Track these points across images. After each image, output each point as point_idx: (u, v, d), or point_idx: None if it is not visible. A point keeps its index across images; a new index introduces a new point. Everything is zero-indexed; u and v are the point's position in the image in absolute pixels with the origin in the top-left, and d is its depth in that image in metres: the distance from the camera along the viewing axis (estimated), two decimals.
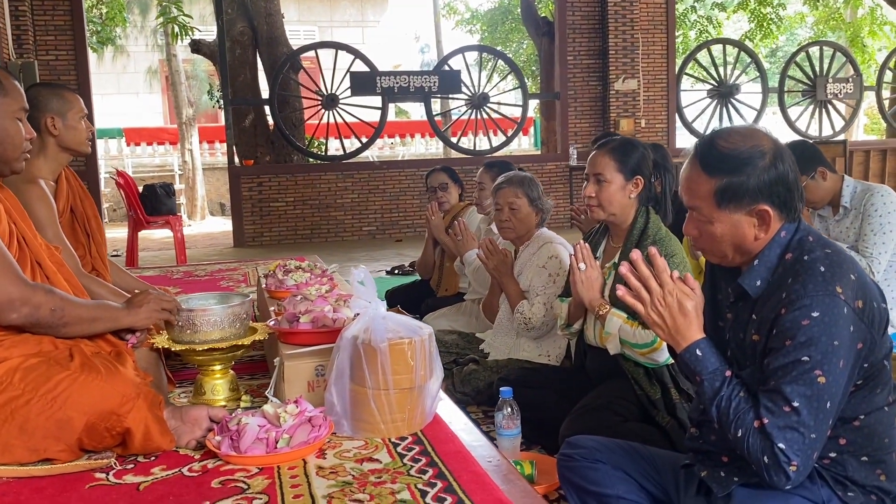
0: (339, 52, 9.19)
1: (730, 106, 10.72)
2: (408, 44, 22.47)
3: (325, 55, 9.75)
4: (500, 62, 10.65)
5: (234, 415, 1.73)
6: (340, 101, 9.25)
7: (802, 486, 1.42)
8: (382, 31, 25.98)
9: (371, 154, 17.78)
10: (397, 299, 4.44)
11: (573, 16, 9.80)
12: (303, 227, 9.26)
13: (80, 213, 2.73)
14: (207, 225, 15.21)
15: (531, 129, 17.64)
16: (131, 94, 22.31)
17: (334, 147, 9.90)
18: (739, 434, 1.41)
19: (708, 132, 1.56)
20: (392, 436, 1.76)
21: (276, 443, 1.64)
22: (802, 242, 1.49)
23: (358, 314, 1.86)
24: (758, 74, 10.83)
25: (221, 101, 9.59)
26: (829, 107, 11.14)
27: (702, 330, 1.53)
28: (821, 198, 3.28)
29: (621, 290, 1.56)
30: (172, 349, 2.01)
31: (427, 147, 18.98)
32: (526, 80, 10.62)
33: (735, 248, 1.53)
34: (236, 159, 9.46)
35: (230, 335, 2.04)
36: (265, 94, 10.18)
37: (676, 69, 10.44)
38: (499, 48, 17.64)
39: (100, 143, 18.30)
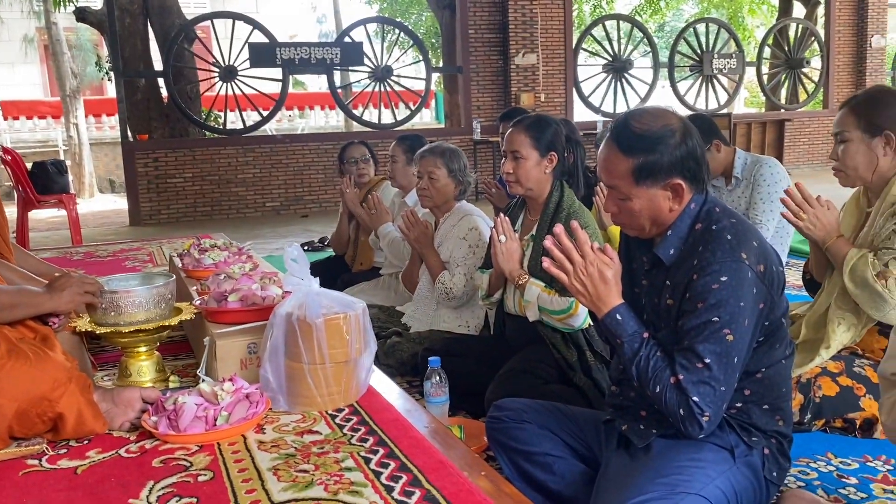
0: (237, 22, 8.92)
1: (624, 80, 11.09)
2: (305, 13, 21.95)
3: (222, 25, 9.43)
4: (403, 34, 10.61)
5: (168, 395, 1.73)
6: (239, 73, 9.00)
7: (713, 433, 1.57)
8: (277, 0, 25.28)
9: (269, 128, 17.40)
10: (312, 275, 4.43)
11: None
12: (202, 203, 9.01)
13: None
14: (97, 203, 14.52)
15: (433, 103, 17.68)
16: (5, 64, 20.86)
17: (231, 121, 9.64)
18: (657, 390, 1.54)
19: (621, 113, 1.67)
20: (329, 408, 1.81)
21: (216, 420, 1.66)
22: (710, 213, 1.63)
23: (290, 291, 1.88)
24: (649, 50, 11.25)
25: (112, 74, 9.15)
26: (715, 81, 11.72)
27: (621, 296, 1.64)
28: (714, 168, 3.49)
29: (546, 262, 1.66)
30: (97, 332, 1.98)
31: (327, 119, 18.71)
32: (428, 53, 10.64)
33: (652, 221, 1.65)
34: (129, 134, 9.07)
35: (156, 316, 2.02)
36: (158, 65, 9.77)
37: (573, 44, 10.69)
38: (399, 20, 17.53)
39: None
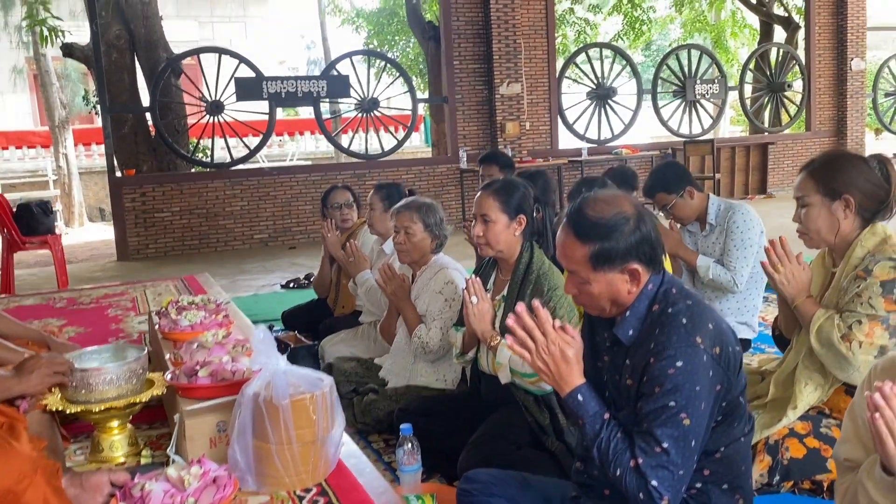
0: (224, 56, 8.98)
1: (608, 107, 11.20)
2: (293, 40, 22.09)
3: (209, 58, 9.49)
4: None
5: (136, 479, 1.74)
6: (226, 108, 9.05)
7: None
8: (266, 27, 25.44)
9: (261, 155, 17.46)
10: (294, 321, 4.45)
11: (458, 21, 9.96)
12: (190, 237, 9.02)
13: None
14: (87, 232, 14.54)
15: (422, 126, 17.77)
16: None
17: (220, 147, 9.69)
18: (618, 473, 1.57)
19: (575, 202, 1.70)
20: (297, 488, 1.82)
21: None
22: (667, 294, 1.66)
23: (258, 369, 1.90)
24: (633, 76, 11.36)
25: (98, 108, 9.18)
26: (698, 106, 11.84)
27: (582, 375, 1.67)
28: (688, 215, 3.54)
29: (509, 340, 1.69)
30: (68, 411, 1.99)
31: (317, 145, 18.78)
32: (414, 82, 10.74)
33: (612, 303, 1.68)
34: (117, 169, 9.10)
35: (127, 392, 2.04)
36: (145, 98, 9.81)
37: (557, 73, 10.79)
38: (385, 48, 17.66)
39: None
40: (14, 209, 6.21)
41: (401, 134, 10.27)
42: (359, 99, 9.60)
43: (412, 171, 9.96)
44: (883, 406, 1.23)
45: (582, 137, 11.03)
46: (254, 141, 9.59)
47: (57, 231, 6.38)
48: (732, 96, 12.82)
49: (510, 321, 1.69)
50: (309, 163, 15.57)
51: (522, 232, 2.48)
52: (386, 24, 17.49)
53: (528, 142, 10.47)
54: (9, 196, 16.20)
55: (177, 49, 10.15)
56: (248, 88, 9.00)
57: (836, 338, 2.12)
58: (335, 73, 9.56)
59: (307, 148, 18.86)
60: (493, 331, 2.42)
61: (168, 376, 2.14)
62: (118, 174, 9.04)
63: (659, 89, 11.66)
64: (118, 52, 9.69)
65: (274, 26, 25.21)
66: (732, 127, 22.50)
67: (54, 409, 2.01)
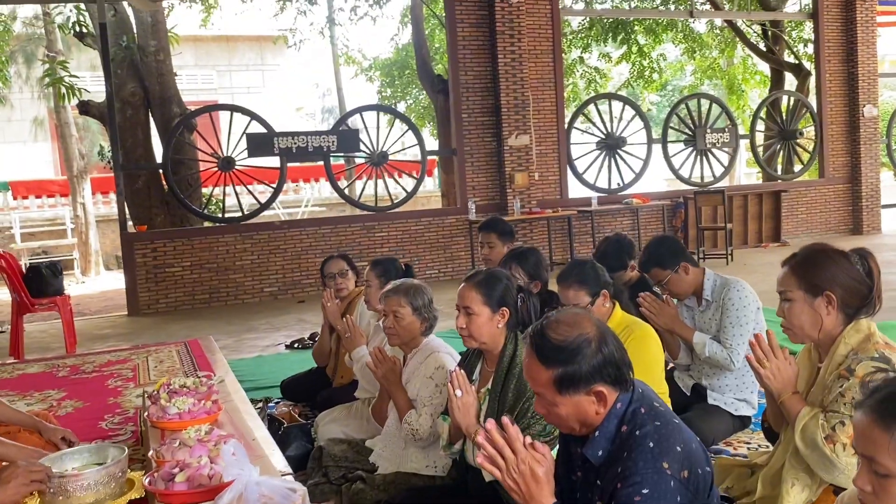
0: (235, 113, 9.15)
1: (618, 156, 11.23)
2: (309, 88, 22.47)
3: (222, 115, 9.67)
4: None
5: None
6: (237, 163, 9.18)
7: None
8: (283, 75, 25.91)
9: (276, 202, 17.65)
10: (292, 391, 4.45)
11: (466, 75, 10.09)
12: (200, 291, 9.09)
13: None
14: (102, 281, 14.71)
15: (435, 171, 17.90)
16: (18, 143, 21.36)
17: (231, 204, 9.82)
18: None
19: (538, 323, 1.70)
20: None
21: None
22: (636, 415, 1.65)
23: (231, 481, 1.89)
24: (643, 126, 11.41)
25: (112, 163, 9.35)
26: (710, 154, 11.85)
27: (552, 494, 1.65)
28: (684, 290, 3.52)
29: (480, 458, 1.68)
30: None
31: (332, 191, 18.93)
32: (424, 134, 10.85)
33: (580, 423, 1.67)
34: (129, 224, 9.23)
35: (105, 497, 2.04)
36: (159, 153, 9.99)
37: (566, 124, 10.87)
38: (397, 99, 17.90)
39: None
40: (24, 271, 6.28)
41: (409, 182, 10.35)
42: (368, 153, 9.71)
43: (421, 223, 10.01)
44: None
45: (592, 187, 11.06)
46: (267, 193, 9.70)
47: (66, 292, 6.44)
48: (745, 144, 12.82)
49: (479, 438, 1.68)
50: (324, 209, 15.70)
51: (506, 324, 2.48)
52: (397, 75, 17.75)
53: (538, 192, 10.51)
54: (27, 244, 16.54)
55: (193, 98, 10.36)
56: (260, 144, 9.14)
57: (819, 439, 2.09)
58: (346, 127, 9.68)
59: (322, 194, 19.04)
60: (477, 425, 2.40)
61: (146, 480, 2.14)
62: (132, 229, 9.16)
63: (670, 138, 11.70)
64: (133, 109, 9.90)
65: (290, 75, 25.66)
66: (748, 169, 22.45)
67: None
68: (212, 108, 9.58)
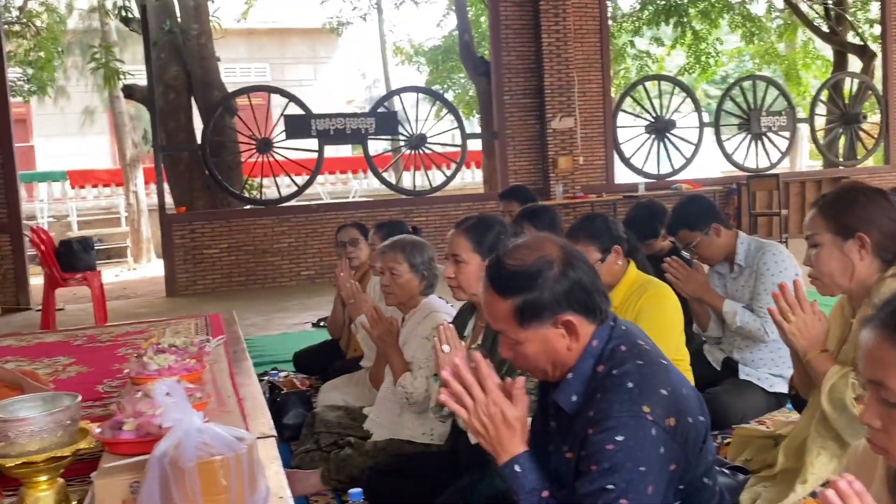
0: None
1: (667, 141, 10.82)
2: (358, 79, 22.47)
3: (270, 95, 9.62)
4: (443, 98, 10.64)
5: None
6: (275, 145, 9.12)
7: None
8: (334, 67, 25.98)
9: (323, 192, 17.67)
10: (305, 363, 4.30)
11: (508, 56, 9.83)
12: (238, 273, 9.05)
13: None
14: (153, 268, 14.92)
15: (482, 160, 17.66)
16: (77, 134, 21.91)
17: (280, 184, 9.80)
18: None
19: (497, 251, 1.48)
20: None
21: None
22: (615, 353, 1.41)
23: (169, 426, 1.72)
24: (694, 109, 10.97)
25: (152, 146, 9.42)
26: (766, 139, 11.31)
27: (525, 442, 1.43)
28: (714, 254, 3.23)
29: (444, 395, 1.47)
30: None
31: (381, 183, 18.88)
32: (466, 119, 10.64)
33: (552, 363, 1.44)
34: (167, 206, 9.26)
35: (51, 444, 1.89)
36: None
37: (613, 106, 10.52)
38: (444, 85, 17.70)
39: (43, 187, 17.98)
40: (57, 246, 6.30)
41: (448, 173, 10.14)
42: (407, 136, 9.55)
43: (461, 208, 9.79)
44: None
45: (640, 172, 10.67)
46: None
47: (96, 267, 6.44)
48: (804, 129, 12.22)
49: (445, 373, 1.47)
50: (370, 199, 15.63)
51: None
52: (440, 61, 17.55)
53: (582, 177, 10.18)
54: (83, 232, 16.93)
55: (236, 88, 10.34)
56: (297, 126, 9.06)
57: (849, 399, 1.81)
58: (384, 109, 9.53)
59: (371, 186, 18.98)
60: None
61: (98, 429, 1.99)
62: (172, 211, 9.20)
63: (723, 122, 11.22)
64: (175, 93, 9.93)
65: (341, 67, 25.68)
66: (812, 161, 21.55)
67: None
68: (251, 90, 9.56)
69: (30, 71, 13.17)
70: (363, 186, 19.07)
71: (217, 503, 1.62)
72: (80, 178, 18.37)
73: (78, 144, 21.59)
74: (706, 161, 11.46)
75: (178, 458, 1.61)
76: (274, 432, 2.60)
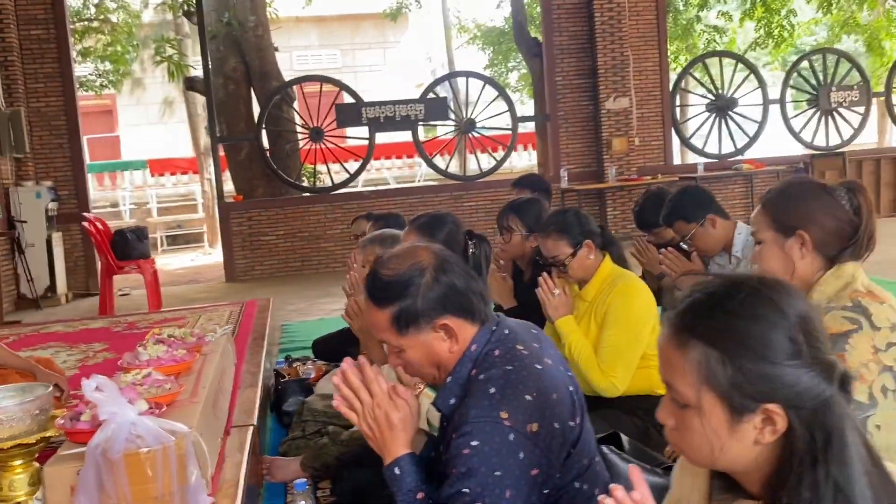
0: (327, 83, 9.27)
1: (729, 119, 10.46)
2: (424, 63, 22.56)
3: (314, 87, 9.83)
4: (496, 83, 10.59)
5: None
6: (326, 134, 9.30)
7: None
8: (403, 51, 26.12)
9: (390, 176, 17.89)
10: (323, 349, 4.42)
11: (560, 36, 9.70)
12: (293, 259, 9.32)
13: None
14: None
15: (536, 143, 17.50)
16: (158, 124, 22.84)
17: (334, 171, 10.02)
18: None
19: (375, 263, 1.52)
20: None
21: None
22: (488, 357, 1.43)
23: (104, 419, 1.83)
24: (758, 86, 10.55)
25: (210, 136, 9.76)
26: (837, 115, 10.78)
27: (408, 444, 1.47)
28: (711, 245, 3.16)
29: (337, 400, 1.53)
30: None
31: (445, 167, 18.97)
32: (517, 102, 10.55)
33: (436, 366, 1.48)
34: (228, 194, 9.59)
35: (20, 432, 2.04)
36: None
37: (671, 84, 10.23)
38: (505, 68, 17.56)
39: (126, 175, 18.89)
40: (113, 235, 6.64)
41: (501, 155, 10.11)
42: (456, 121, 9.56)
43: (512, 192, 9.74)
44: None
45: (701, 153, 10.37)
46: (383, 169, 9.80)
47: (150, 255, 6.76)
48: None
49: (335, 379, 1.53)
50: (434, 184, 15.74)
51: None
52: (496, 42, 17.40)
53: (639, 158, 9.97)
54: (163, 219, 17.66)
55: (291, 78, 10.58)
56: (349, 114, 9.21)
57: None
58: (433, 95, 9.57)
59: (426, 170, 19.06)
60: (415, 378, 2.23)
61: (60, 420, 2.13)
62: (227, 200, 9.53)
63: (790, 99, 10.75)
64: (234, 84, 10.24)
65: (410, 51, 25.79)
66: None
67: None
68: (304, 79, 9.76)
69: (107, 65, 13.79)
70: (428, 171, 19.18)
71: (144, 492, 1.74)
72: (160, 167, 19.19)
73: (159, 134, 22.51)
74: (770, 139, 11.00)
75: (108, 449, 1.73)
76: (254, 422, 2.72)
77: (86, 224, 6.56)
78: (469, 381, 1.43)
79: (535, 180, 4.17)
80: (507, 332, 1.48)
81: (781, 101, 10.57)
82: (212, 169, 16.34)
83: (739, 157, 10.41)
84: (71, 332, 4.84)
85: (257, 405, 2.93)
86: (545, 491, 1.36)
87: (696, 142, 10.44)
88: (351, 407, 1.50)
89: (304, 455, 2.73)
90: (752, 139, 10.47)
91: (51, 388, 2.17)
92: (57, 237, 8.11)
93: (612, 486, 0.98)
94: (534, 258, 2.75)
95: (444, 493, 1.34)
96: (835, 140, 10.77)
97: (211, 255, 15.37)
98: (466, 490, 1.31)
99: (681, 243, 3.29)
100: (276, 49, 10.76)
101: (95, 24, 13.97)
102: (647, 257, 3.38)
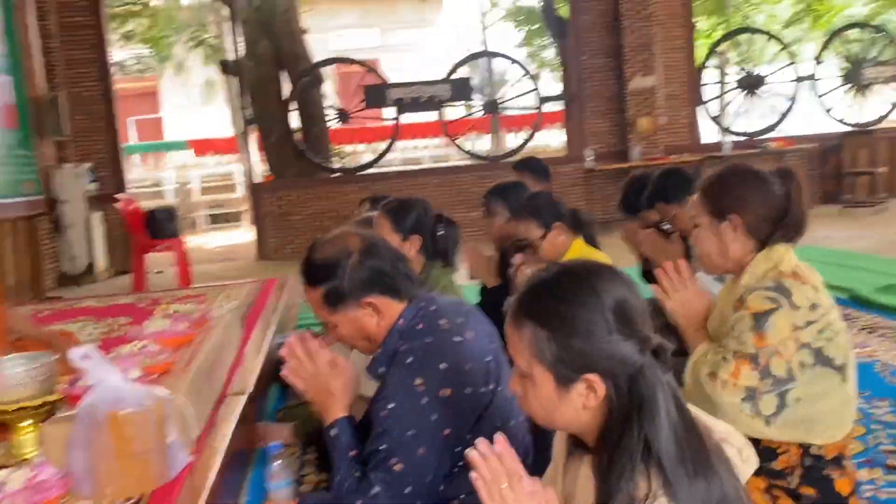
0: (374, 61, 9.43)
1: (758, 96, 10.33)
2: (458, 43, 22.56)
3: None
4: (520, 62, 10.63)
5: None
6: (352, 114, 9.49)
7: None
8: (441, 30, 26.15)
9: (424, 154, 18.04)
10: None
11: (585, 14, 9.68)
12: None
13: None
14: None
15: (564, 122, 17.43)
16: (200, 105, 23.31)
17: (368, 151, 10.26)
18: None
19: (309, 247, 1.69)
20: (119, 497, 1.94)
21: None
22: (412, 330, 1.59)
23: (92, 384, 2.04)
24: (791, 62, 10.38)
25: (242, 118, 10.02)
26: (872, 91, 10.56)
27: (345, 408, 1.65)
28: (692, 227, 3.24)
29: (286, 369, 1.70)
30: None
31: (474, 147, 19.03)
32: (551, 82, 10.57)
33: (367, 339, 1.65)
34: (263, 174, 9.86)
35: (27, 396, 2.27)
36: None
37: (699, 62, 10.14)
38: (538, 46, 17.51)
39: (169, 156, 19.41)
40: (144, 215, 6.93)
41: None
42: (482, 101, 9.66)
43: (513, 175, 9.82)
44: (480, 464, 1.13)
45: (728, 131, 10.27)
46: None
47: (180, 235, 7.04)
48: None
49: (283, 351, 1.70)
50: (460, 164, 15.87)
51: (419, 252, 2.43)
52: (531, 21, 17.34)
53: (666, 137, 9.93)
54: (205, 198, 18.09)
55: (357, 58, 10.69)
56: (375, 95, 9.36)
57: (703, 375, 1.89)
58: (458, 75, 9.67)
59: (475, 147, 19.16)
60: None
61: (63, 385, 2.36)
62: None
63: (822, 75, 10.56)
64: (266, 66, 10.47)
65: (448, 29, 25.80)
66: None
67: None
68: (331, 62, 9.93)
69: (147, 49, 14.19)
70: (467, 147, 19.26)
71: (126, 449, 1.95)
72: (201, 148, 19.65)
73: (201, 115, 22.99)
74: (799, 117, 10.83)
75: (94, 410, 1.94)
76: (248, 391, 2.92)
77: (119, 205, 6.86)
78: (396, 353, 1.59)
79: (534, 163, 4.27)
80: (433, 308, 1.63)
81: (814, 78, 10.40)
82: (253, 150, 16.83)
83: (769, 136, 10.29)
84: (101, 306, 5.11)
85: (255, 376, 3.14)
86: (457, 449, 1.51)
87: (725, 120, 10.34)
88: (297, 374, 1.67)
89: (295, 422, 2.93)
90: (783, 117, 10.34)
91: (55, 356, 2.40)
92: (96, 217, 8.47)
93: (479, 439, 1.14)
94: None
95: (366, 451, 1.52)
96: (870, 117, 10.57)
97: (249, 234, 15.77)
98: (383, 447, 1.47)
99: (662, 225, 3.39)
100: (305, 31, 10.95)
101: (136, 7, 14.37)
102: (634, 240, 3.47)
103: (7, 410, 2.21)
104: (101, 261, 8.50)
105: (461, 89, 9.53)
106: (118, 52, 14.99)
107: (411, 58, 24.52)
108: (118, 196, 7.18)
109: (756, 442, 1.87)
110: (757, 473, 1.88)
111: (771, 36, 10.62)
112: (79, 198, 8.18)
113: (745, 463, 1.20)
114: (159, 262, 9.09)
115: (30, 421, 2.33)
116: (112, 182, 9.01)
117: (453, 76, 9.59)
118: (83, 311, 4.99)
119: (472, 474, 1.12)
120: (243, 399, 2.79)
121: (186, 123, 22.36)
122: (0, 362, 2.36)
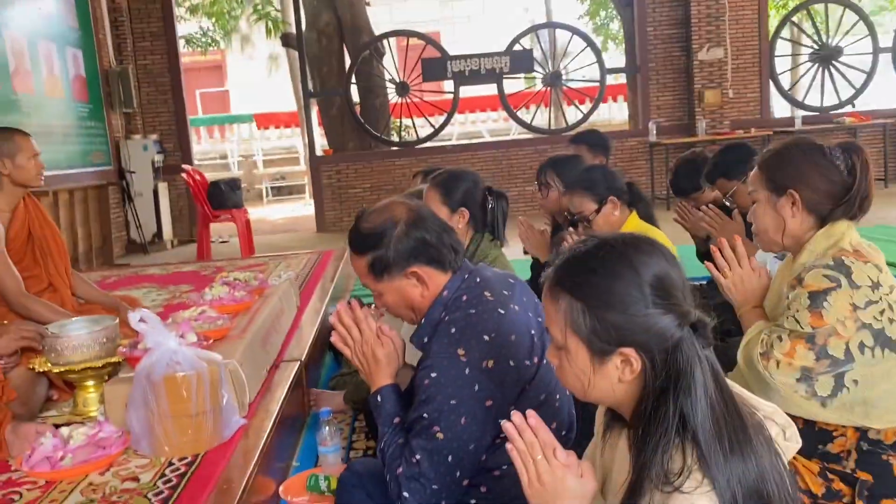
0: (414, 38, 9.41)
1: (833, 70, 9.91)
2: (521, 15, 22.23)
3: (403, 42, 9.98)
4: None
5: (48, 435, 2.05)
6: (412, 88, 9.48)
7: None
8: (499, 3, 25.77)
9: (484, 129, 17.92)
10: None
11: None
12: None
13: (39, 235, 3.13)
14: None
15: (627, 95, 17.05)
16: (266, 78, 23.61)
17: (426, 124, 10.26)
18: (388, 478, 1.55)
19: (358, 215, 1.70)
20: (175, 455, 2.02)
21: (61, 460, 1.95)
22: (456, 302, 1.59)
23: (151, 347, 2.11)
24: (867, 34, 9.91)
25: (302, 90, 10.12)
26: None
27: (391, 376, 1.67)
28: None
29: (334, 336, 1.73)
30: (38, 369, 2.36)
31: (534, 121, 18.79)
32: (615, 53, 10.35)
33: (411, 309, 1.66)
34: (318, 148, 9.97)
35: (91, 357, 2.37)
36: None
37: (770, 34, 9.78)
38: (605, 17, 17.12)
39: (235, 128, 19.76)
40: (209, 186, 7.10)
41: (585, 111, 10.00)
42: (543, 73, 9.52)
43: (570, 148, 9.67)
44: (515, 437, 1.14)
45: (801, 105, 9.90)
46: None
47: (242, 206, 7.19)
48: None
49: (332, 318, 1.73)
50: (518, 138, 15.74)
51: (467, 224, 2.43)
52: None
53: (733, 111, 9.64)
54: (268, 171, 18.39)
55: (419, 29, 10.67)
56: (434, 68, 9.33)
57: (756, 355, 1.84)
58: (519, 47, 9.55)
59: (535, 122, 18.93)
60: None
61: (122, 347, 2.45)
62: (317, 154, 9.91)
63: None
64: (327, 39, 10.52)
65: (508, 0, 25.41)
66: None
67: (37, 369, 2.40)
68: (391, 34, 9.93)
69: (210, 23, 14.42)
70: (511, 126, 19.05)
71: (182, 410, 2.02)
72: (265, 121, 19.95)
73: (266, 88, 23.31)
74: (879, 92, 10.35)
75: (151, 372, 2.01)
76: (302, 358, 2.98)
77: (185, 175, 7.04)
78: (440, 323, 1.60)
79: (591, 137, 4.19)
80: (478, 280, 1.63)
81: (894, 51, 9.92)
82: (314, 122, 17.02)
83: (844, 111, 9.88)
84: (164, 274, 5.29)
85: (309, 343, 3.20)
86: (500, 421, 1.52)
87: (797, 94, 9.97)
88: (345, 342, 1.70)
89: (346, 390, 2.98)
90: (859, 91, 9.90)
91: (116, 321, 2.49)
92: (163, 187, 8.72)
93: (513, 412, 1.14)
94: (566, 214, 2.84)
95: (409, 419, 1.53)
96: None
97: (310, 206, 16.02)
98: (425, 415, 1.49)
99: (724, 201, 3.29)
100: (368, 3, 10.95)
101: None
102: (689, 220, 3.38)
103: (73, 370, 2.31)
104: (167, 229, 8.77)
105: (522, 61, 9.42)
106: (185, 26, 15.31)
107: (473, 29, 24.30)
108: (184, 167, 7.35)
109: (811, 424, 1.83)
110: (811, 456, 1.84)
111: (848, 5, 10.14)
112: (146, 168, 8.44)
113: (788, 441, 1.17)
114: (223, 231, 9.33)
115: (93, 381, 2.44)
116: (178, 154, 9.25)
117: (514, 48, 9.48)
118: (148, 279, 5.17)
119: (508, 445, 1.13)
120: (297, 365, 2.85)
121: (251, 97, 22.69)
122: (67, 325, 2.48)
